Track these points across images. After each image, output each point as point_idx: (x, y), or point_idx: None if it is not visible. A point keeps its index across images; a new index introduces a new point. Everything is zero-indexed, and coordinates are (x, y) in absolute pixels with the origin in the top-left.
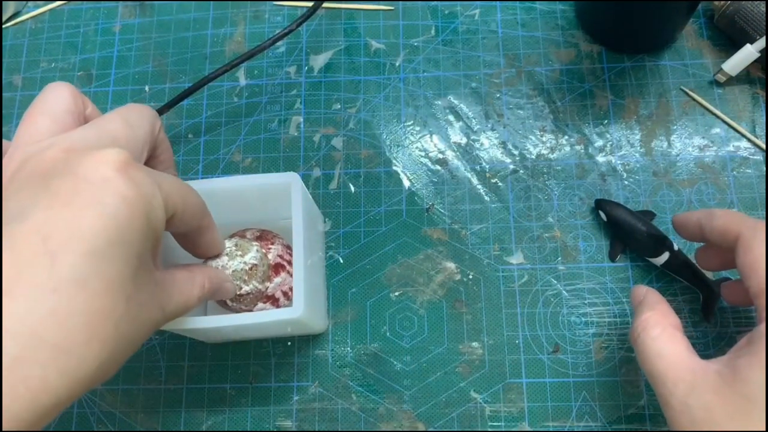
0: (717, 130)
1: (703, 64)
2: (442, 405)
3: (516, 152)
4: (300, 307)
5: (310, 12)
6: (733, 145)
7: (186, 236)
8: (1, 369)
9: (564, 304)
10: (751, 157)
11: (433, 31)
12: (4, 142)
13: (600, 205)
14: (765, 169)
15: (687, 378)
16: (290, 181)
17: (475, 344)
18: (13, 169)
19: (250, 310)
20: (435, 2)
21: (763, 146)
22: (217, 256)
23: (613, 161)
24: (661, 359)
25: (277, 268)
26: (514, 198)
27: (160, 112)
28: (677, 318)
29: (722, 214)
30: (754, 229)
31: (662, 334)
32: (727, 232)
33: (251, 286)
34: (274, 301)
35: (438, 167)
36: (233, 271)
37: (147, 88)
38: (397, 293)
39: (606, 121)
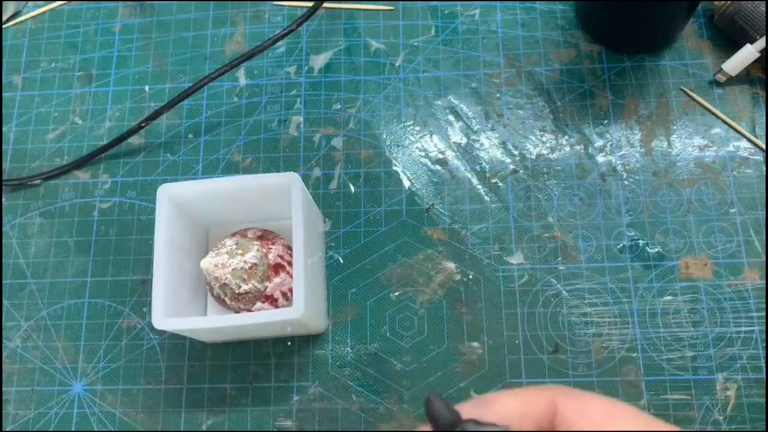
0: (717, 130)
1: (703, 64)
2: None
3: (516, 152)
4: (300, 307)
5: (310, 12)
6: (733, 145)
7: None
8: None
9: (564, 304)
10: (751, 157)
11: (433, 31)
12: None
13: None
14: (765, 169)
15: None
16: (290, 181)
17: (475, 344)
18: None
19: (249, 310)
20: (435, 2)
21: (763, 146)
22: (217, 254)
23: (613, 161)
24: None
25: (277, 268)
26: (514, 198)
27: (160, 112)
28: None
29: (500, 398)
30: (570, 394)
31: None
32: (526, 415)
33: (250, 285)
34: (273, 302)
35: (438, 167)
36: (233, 270)
37: (147, 88)
38: (397, 293)
39: (606, 121)
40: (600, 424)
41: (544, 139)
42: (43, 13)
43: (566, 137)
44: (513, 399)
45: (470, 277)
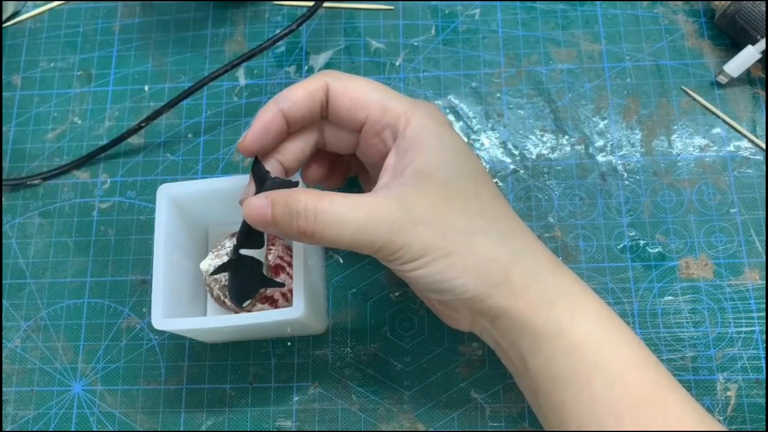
0: (717, 130)
1: (703, 63)
2: (443, 405)
3: (516, 152)
4: (300, 307)
5: (311, 12)
6: (733, 145)
7: None
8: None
9: None
10: (751, 157)
11: (433, 31)
12: None
13: None
14: (765, 169)
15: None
16: None
17: (475, 344)
18: None
19: (249, 311)
20: (435, 2)
21: (764, 146)
22: (217, 255)
23: (614, 161)
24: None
25: (277, 269)
26: (514, 198)
27: (160, 112)
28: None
29: (288, 91)
30: (336, 75)
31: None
32: (309, 96)
33: None
34: (272, 302)
35: None
36: None
37: (147, 88)
38: (397, 293)
39: (606, 121)
40: (355, 89)
41: (544, 138)
42: (43, 12)
43: (566, 137)
44: (297, 88)
45: None
